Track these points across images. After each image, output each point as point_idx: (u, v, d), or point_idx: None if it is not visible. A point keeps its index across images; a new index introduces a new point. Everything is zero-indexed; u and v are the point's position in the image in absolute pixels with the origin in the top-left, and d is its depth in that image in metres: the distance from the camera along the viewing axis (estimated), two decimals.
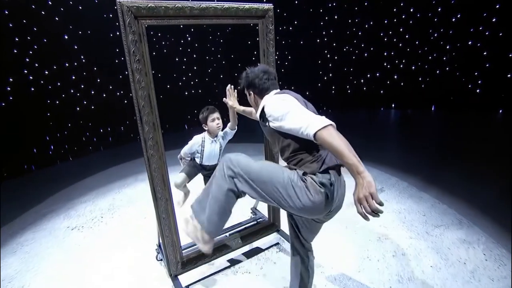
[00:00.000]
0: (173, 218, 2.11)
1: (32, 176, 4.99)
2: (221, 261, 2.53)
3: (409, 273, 2.31)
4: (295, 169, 1.43)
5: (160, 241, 2.20)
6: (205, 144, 2.55)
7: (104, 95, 6.53)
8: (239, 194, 1.47)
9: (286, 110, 1.38)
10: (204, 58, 7.88)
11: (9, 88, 5.07)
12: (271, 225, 2.70)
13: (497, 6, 6.93)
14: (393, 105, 8.59)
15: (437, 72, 7.98)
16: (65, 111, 5.96)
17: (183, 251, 2.30)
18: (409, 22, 7.91)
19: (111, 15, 6.32)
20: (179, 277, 2.24)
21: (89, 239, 2.98)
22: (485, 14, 7.10)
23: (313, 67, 8.68)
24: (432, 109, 8.18)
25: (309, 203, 1.35)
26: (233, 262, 2.54)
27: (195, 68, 7.86)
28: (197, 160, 2.61)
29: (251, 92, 1.66)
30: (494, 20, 7.04)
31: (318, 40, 8.46)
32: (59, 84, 5.85)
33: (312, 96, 8.69)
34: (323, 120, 1.26)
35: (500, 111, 7.37)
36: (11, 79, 5.09)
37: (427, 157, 4.69)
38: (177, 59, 7.59)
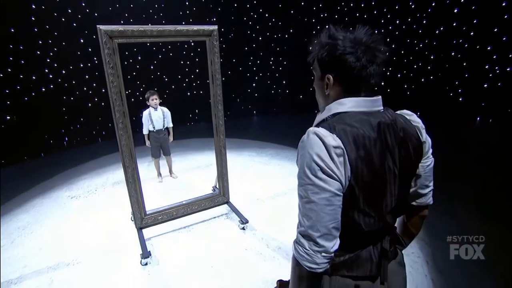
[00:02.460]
0: (138, 182, 2.84)
1: (47, 160, 5.87)
2: (179, 222, 3.23)
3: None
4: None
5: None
6: (151, 113, 3.99)
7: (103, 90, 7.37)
8: None
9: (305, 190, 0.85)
10: (205, 61, 8.63)
11: (32, 85, 5.98)
12: (222, 198, 3.39)
13: (474, 21, 7.40)
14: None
15: (422, 80, 8.46)
16: (79, 107, 6.85)
17: (147, 212, 3.02)
18: (395, 33, 8.43)
19: (122, 22, 7.19)
20: (143, 231, 2.97)
21: (83, 205, 3.78)
22: (464, 28, 7.57)
23: (306, 73, 9.29)
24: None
25: None
26: (188, 223, 3.24)
27: (197, 70, 8.64)
28: (150, 128, 3.95)
29: (330, 76, 0.94)
30: (472, 33, 7.50)
31: (310, 48, 9.06)
32: (74, 82, 6.74)
33: (304, 101, 9.36)
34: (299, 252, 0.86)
35: (478, 118, 7.77)
36: (34, 77, 6.00)
37: None
38: (181, 62, 8.40)
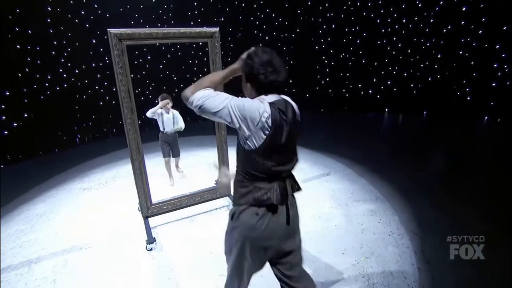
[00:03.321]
0: (145, 174, 3.08)
1: (60, 155, 6.22)
2: (182, 212, 3.45)
3: (317, 229, 3.12)
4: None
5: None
6: (163, 114, 4.09)
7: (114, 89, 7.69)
8: None
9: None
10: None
11: (47, 84, 6.33)
12: None
13: (483, 20, 7.41)
14: (386, 110, 9.16)
15: (429, 79, 8.49)
16: (91, 105, 7.19)
17: (153, 202, 3.26)
18: (402, 32, 8.49)
19: (132, 22, 7.48)
20: (149, 219, 3.21)
21: (94, 196, 4.07)
22: (472, 27, 7.58)
23: (312, 71, 9.44)
24: (424, 114, 8.66)
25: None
26: (191, 214, 3.47)
27: (205, 70, 8.89)
28: (160, 128, 4.08)
29: (249, 84, 1.44)
30: (480, 32, 7.51)
31: (317, 47, 9.22)
32: (86, 81, 7.09)
33: (311, 98, 9.50)
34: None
35: (486, 118, 7.76)
36: (49, 77, 6.35)
37: (385, 155, 5.36)
38: (190, 61, 8.67)
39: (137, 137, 2.95)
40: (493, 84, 7.60)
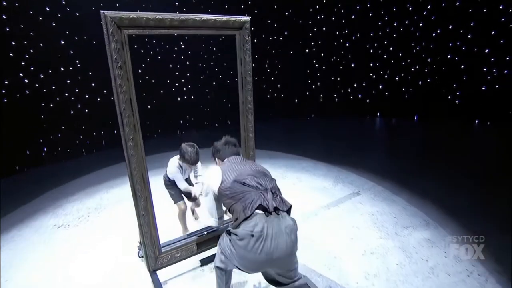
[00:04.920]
0: (152, 215, 2.18)
1: (23, 177, 5.00)
2: (196, 259, 2.59)
3: (375, 270, 2.41)
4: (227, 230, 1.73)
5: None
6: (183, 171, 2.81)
7: (99, 99, 6.58)
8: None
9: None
10: (197, 65, 7.99)
11: (4, 91, 5.10)
12: None
13: (472, 24, 7.23)
14: (378, 114, 8.77)
15: (419, 83, 8.22)
16: (59, 114, 6.00)
17: (162, 248, 2.37)
18: (393, 36, 8.15)
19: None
20: (157, 272, 2.31)
21: (74, 237, 3.03)
22: (461, 31, 7.38)
23: (302, 76, 8.84)
24: (415, 118, 8.37)
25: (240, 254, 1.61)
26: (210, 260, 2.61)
27: (188, 74, 7.95)
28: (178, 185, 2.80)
29: (216, 158, 2.09)
30: (469, 36, 7.33)
31: (307, 51, 8.63)
32: (53, 87, 5.89)
33: (301, 104, 8.88)
34: (212, 222, 2.06)
35: (476, 121, 7.59)
36: (6, 82, 5.12)
37: (404, 163, 4.82)
38: (171, 65, 7.69)
39: (143, 165, 2.05)
40: (483, 88, 7.45)
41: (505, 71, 7.10)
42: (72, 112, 6.24)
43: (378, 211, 3.28)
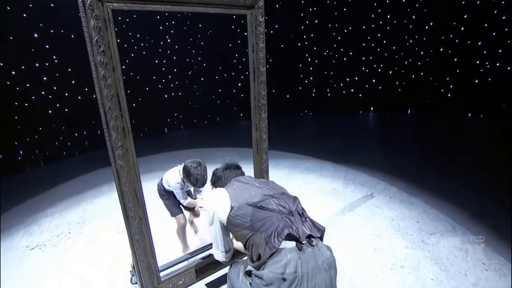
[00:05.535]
0: (149, 239, 1.73)
1: None
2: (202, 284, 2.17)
3: None
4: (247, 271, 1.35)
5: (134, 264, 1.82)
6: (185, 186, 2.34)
7: (80, 97, 5.98)
8: None
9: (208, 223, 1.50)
10: (184, 60, 7.45)
11: None
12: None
13: (465, 16, 7.05)
14: (371, 108, 8.52)
15: (413, 76, 8.00)
16: (36, 114, 5.38)
17: (160, 273, 1.92)
18: (386, 28, 7.88)
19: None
20: None
21: (51, 260, 2.51)
22: (454, 23, 7.20)
23: (294, 70, 8.45)
24: (408, 112, 8.17)
25: None
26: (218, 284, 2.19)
27: (175, 70, 7.42)
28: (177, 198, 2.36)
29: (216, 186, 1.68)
30: (462, 29, 7.15)
31: (299, 44, 8.24)
32: (28, 85, 5.27)
33: (292, 99, 8.49)
34: (218, 256, 1.59)
35: (469, 114, 7.45)
36: None
37: (412, 160, 4.54)
38: (156, 61, 7.13)
39: (136, 180, 1.59)
40: (476, 81, 7.30)
41: (498, 64, 6.97)
42: (50, 111, 5.62)
43: (397, 215, 2.94)
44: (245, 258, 1.61)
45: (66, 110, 5.82)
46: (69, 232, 2.89)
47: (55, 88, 5.61)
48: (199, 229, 2.85)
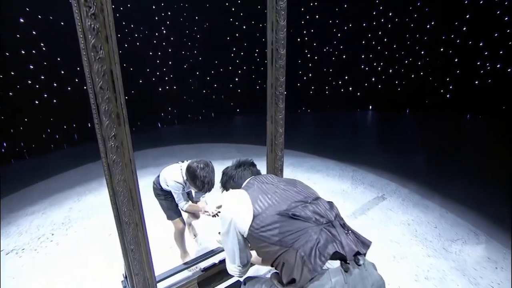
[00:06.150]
0: (146, 249, 1.43)
1: None
2: None
3: None
4: None
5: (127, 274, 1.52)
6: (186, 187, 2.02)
7: (69, 88, 5.58)
8: None
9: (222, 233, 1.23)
10: (180, 53, 7.09)
11: None
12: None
13: (467, 16, 6.90)
14: (370, 107, 8.32)
15: (412, 76, 7.83)
16: (21, 105, 4.98)
17: (157, 284, 1.63)
18: (388, 26, 7.68)
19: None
20: None
21: (29, 267, 2.17)
22: (456, 23, 7.04)
23: (293, 66, 8.18)
24: (407, 111, 8.01)
25: None
26: None
27: (170, 63, 7.06)
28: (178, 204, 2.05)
29: (228, 186, 1.42)
30: (464, 29, 7.00)
31: (298, 39, 7.96)
32: (13, 73, 4.86)
33: (291, 96, 8.22)
34: (233, 270, 1.27)
35: (468, 116, 7.34)
36: None
37: (419, 161, 4.33)
38: (151, 53, 6.76)
39: (131, 178, 1.28)
40: (476, 82, 7.17)
41: (499, 65, 6.85)
42: (37, 102, 5.22)
43: (413, 219, 2.71)
44: (266, 272, 1.35)
45: (55, 101, 5.42)
46: (52, 234, 2.54)
47: (42, 77, 5.21)
48: (198, 233, 2.55)
